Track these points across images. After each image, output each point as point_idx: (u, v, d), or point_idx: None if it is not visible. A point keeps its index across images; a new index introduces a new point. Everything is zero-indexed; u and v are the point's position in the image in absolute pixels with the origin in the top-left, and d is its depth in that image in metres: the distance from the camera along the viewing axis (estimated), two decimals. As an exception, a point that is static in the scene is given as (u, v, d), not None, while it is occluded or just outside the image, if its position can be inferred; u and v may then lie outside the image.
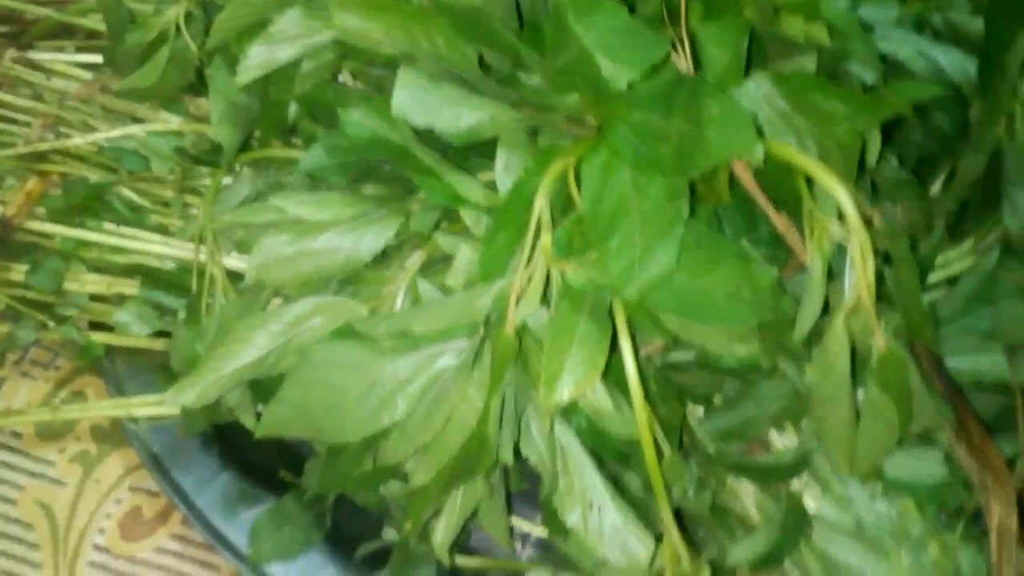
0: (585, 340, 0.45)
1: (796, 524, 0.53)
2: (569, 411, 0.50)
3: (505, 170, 0.51)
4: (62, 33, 0.75)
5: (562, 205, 0.49)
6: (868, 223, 0.47)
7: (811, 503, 0.54)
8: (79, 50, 0.72)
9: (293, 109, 0.60)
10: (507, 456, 0.47)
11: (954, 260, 0.61)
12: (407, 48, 0.50)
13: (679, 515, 0.57)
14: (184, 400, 0.53)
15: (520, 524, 0.68)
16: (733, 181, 0.50)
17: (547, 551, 0.68)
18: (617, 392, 0.49)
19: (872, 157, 0.53)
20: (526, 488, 0.63)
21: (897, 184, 0.57)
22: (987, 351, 0.57)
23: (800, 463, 0.53)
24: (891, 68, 0.57)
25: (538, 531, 0.69)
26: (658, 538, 0.51)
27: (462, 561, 0.65)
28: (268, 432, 0.51)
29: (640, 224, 0.45)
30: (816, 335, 0.48)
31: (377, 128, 0.52)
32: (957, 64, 0.58)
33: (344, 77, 0.61)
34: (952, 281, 0.60)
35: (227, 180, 0.62)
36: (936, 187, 0.61)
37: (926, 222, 0.58)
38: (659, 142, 0.45)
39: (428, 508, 0.53)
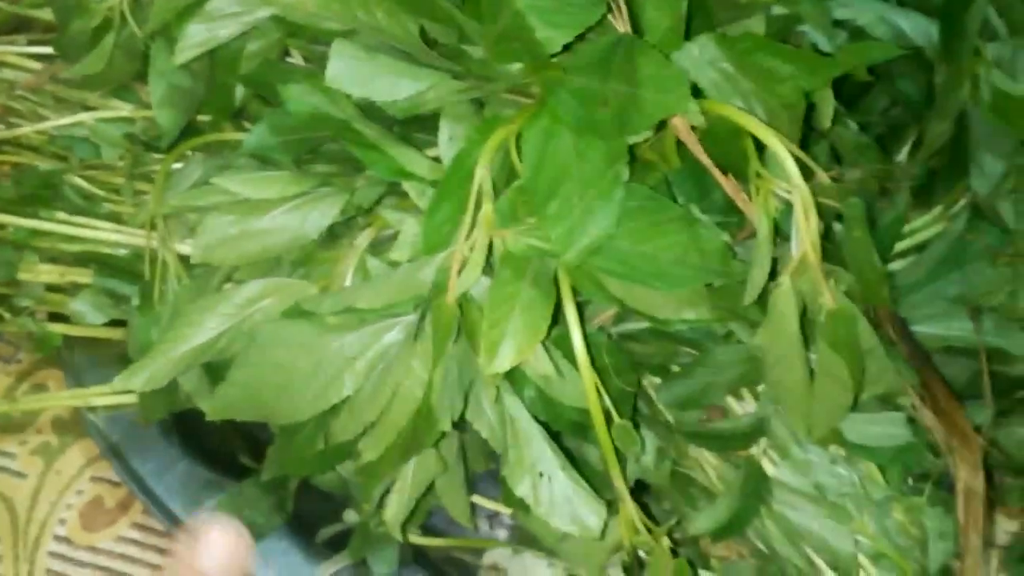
0: (527, 306, 0.45)
1: (756, 491, 0.52)
2: (518, 382, 0.50)
3: (449, 142, 0.50)
4: (20, 27, 0.75)
5: (505, 176, 0.49)
6: (813, 180, 0.47)
7: (771, 469, 0.53)
8: (32, 43, 0.71)
9: (241, 91, 0.60)
10: (447, 426, 0.46)
11: (923, 227, 0.61)
12: (346, 22, 0.50)
13: (642, 487, 0.57)
14: (135, 384, 0.53)
15: (490, 505, 0.68)
16: (684, 148, 0.49)
17: (517, 531, 0.68)
18: (566, 362, 0.49)
19: (825, 119, 0.52)
20: (493, 467, 0.63)
21: (858, 148, 0.57)
22: (956, 316, 0.57)
23: (758, 429, 0.53)
24: (852, 35, 0.57)
25: (508, 511, 0.68)
26: (619, 510, 0.51)
27: (425, 541, 0.65)
28: (220, 415, 0.51)
29: (580, 188, 0.45)
30: (768, 299, 0.47)
31: (319, 104, 0.52)
32: (919, 29, 0.57)
33: (295, 59, 0.61)
34: (921, 248, 0.59)
35: (178, 165, 0.62)
36: (903, 154, 0.61)
37: (885, 184, 0.58)
38: (598, 105, 0.45)
39: (381, 484, 0.53)
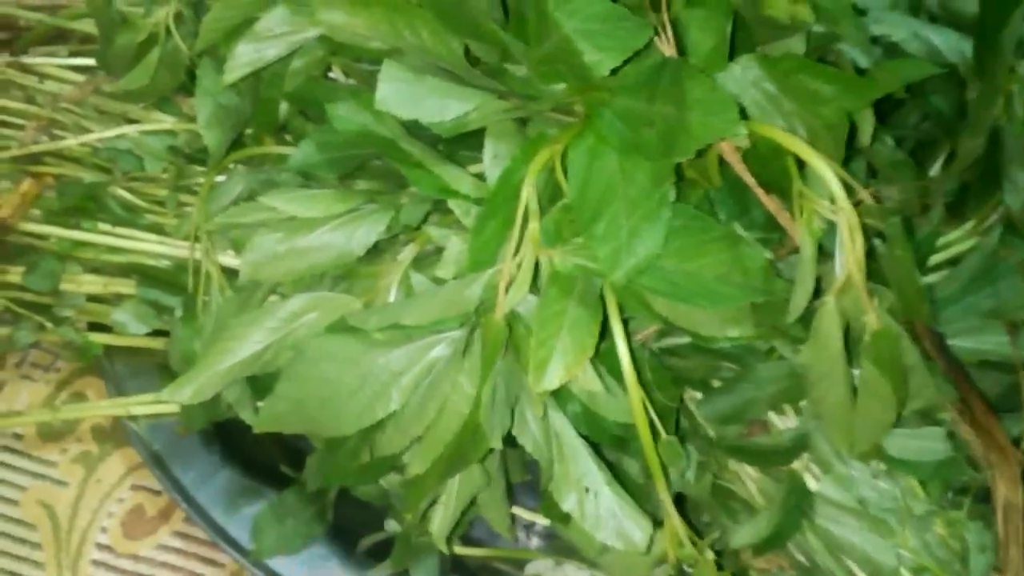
0: (575, 325, 0.45)
1: (798, 505, 0.53)
2: (563, 397, 0.50)
3: (493, 160, 0.51)
4: (57, 38, 0.75)
5: (550, 194, 0.49)
6: (858, 201, 0.47)
7: (813, 483, 0.54)
8: (72, 54, 0.72)
9: (284, 107, 0.60)
10: (497, 443, 0.47)
11: (956, 241, 0.61)
12: (392, 42, 0.50)
13: (682, 500, 0.57)
14: (181, 397, 0.53)
15: (525, 514, 0.68)
16: (725, 165, 0.50)
17: (552, 540, 0.68)
18: (611, 378, 0.49)
19: (865, 137, 0.53)
20: (529, 478, 0.63)
21: (894, 165, 0.57)
22: (990, 330, 0.56)
23: (800, 444, 0.53)
24: (886, 51, 0.57)
25: (543, 521, 0.69)
26: (660, 523, 0.51)
27: (465, 551, 0.65)
28: (266, 428, 0.51)
29: (626, 209, 0.45)
30: (811, 316, 0.47)
31: (365, 122, 0.52)
32: (953, 45, 0.57)
33: (336, 74, 0.61)
34: (954, 262, 0.59)
35: (221, 178, 0.62)
36: (936, 169, 0.61)
37: (923, 201, 0.58)
38: (644, 127, 0.45)
39: (426, 497, 0.54)
